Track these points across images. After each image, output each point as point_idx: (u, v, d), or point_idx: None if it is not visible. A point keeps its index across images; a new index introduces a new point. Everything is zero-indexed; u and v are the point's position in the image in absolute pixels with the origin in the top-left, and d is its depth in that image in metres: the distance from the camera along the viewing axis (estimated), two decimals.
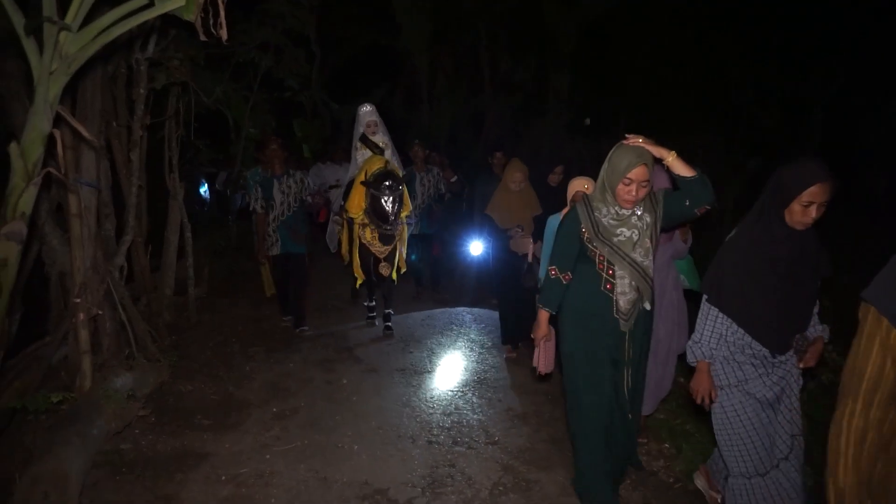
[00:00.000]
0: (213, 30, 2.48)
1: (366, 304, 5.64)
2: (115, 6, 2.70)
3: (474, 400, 4.01)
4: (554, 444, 3.42)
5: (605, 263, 2.54)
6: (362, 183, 4.82)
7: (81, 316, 3.58)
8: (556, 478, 3.05)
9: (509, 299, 4.75)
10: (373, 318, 5.58)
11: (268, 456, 3.23)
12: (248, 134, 8.09)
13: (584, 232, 2.56)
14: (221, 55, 6.10)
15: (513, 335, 4.80)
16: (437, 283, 6.84)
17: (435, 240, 6.71)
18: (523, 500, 2.87)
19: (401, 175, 4.96)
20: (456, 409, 3.87)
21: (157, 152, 5.38)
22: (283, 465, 3.14)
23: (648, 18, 12.71)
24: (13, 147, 2.59)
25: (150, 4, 2.57)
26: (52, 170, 2.72)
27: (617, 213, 2.52)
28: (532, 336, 2.82)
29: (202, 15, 2.48)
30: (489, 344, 5.10)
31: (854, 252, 6.29)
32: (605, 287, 2.55)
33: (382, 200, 4.71)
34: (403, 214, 5.08)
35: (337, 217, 5.69)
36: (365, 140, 5.40)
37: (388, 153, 5.37)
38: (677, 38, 12.75)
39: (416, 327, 5.53)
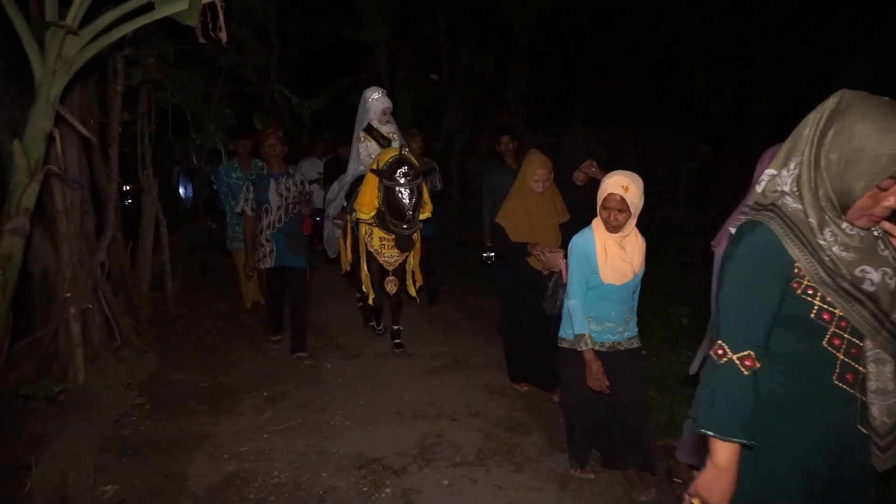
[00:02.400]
0: (211, 33, 2.64)
1: (373, 324, 5.04)
2: (105, 8, 2.84)
3: (454, 377, 4.27)
4: (530, 412, 3.71)
5: (847, 334, 1.37)
6: (373, 171, 4.16)
7: (73, 310, 3.67)
8: (535, 441, 3.34)
9: (519, 330, 3.81)
10: (400, 344, 4.76)
11: (265, 435, 3.42)
12: (211, 130, 8.09)
13: (800, 273, 1.37)
14: (189, 52, 6.13)
15: (523, 373, 3.95)
16: (435, 295, 5.90)
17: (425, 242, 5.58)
18: (506, 461, 3.15)
19: (418, 165, 4.22)
20: (438, 386, 4.12)
21: (126, 149, 5.41)
22: (282, 442, 3.34)
23: (602, 10, 13.17)
24: (16, 145, 2.72)
25: (149, 7, 2.71)
26: (52, 167, 2.84)
27: (859, 237, 1.36)
28: (699, 495, 1.43)
29: (201, 19, 2.64)
30: (466, 328, 5.36)
31: None
32: (842, 378, 1.39)
33: (398, 192, 4.01)
34: (423, 215, 4.37)
35: (338, 220, 4.92)
36: (370, 131, 4.77)
37: (395, 144, 4.74)
38: (630, 28, 13.27)
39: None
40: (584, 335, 2.67)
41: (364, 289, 4.63)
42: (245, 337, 5.12)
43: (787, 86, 12.10)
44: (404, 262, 4.56)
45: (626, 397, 2.76)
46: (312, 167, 7.89)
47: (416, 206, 4.10)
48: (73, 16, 2.63)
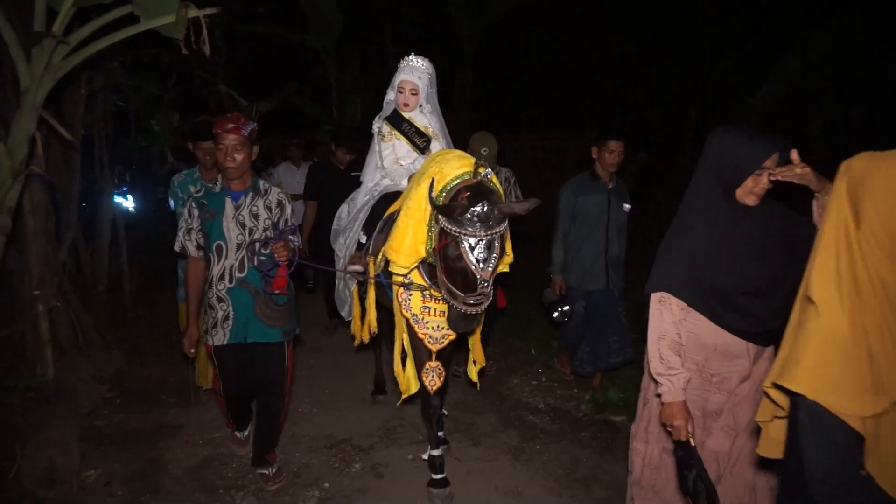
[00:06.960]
0: (193, 45, 2.85)
1: (425, 456, 2.95)
2: (89, 18, 3.01)
3: None
4: (483, 395, 4.05)
5: None
6: (434, 205, 2.34)
7: (41, 307, 3.76)
8: (489, 420, 3.70)
9: None
10: (440, 481, 2.83)
11: None
12: (156, 131, 8.05)
13: None
14: (142, 56, 6.17)
15: None
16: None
17: (500, 285, 3.79)
18: (465, 437, 3.48)
19: (501, 191, 2.50)
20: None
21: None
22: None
23: (546, 20, 13.81)
24: (0, 147, 2.84)
25: (133, 17, 2.90)
26: (35, 168, 2.98)
27: None
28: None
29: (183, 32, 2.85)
30: None
31: None
32: None
33: (465, 247, 2.27)
34: (501, 268, 2.59)
35: (355, 266, 3.11)
36: (397, 122, 3.10)
37: (434, 145, 3.09)
38: (572, 38, 13.95)
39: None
40: None
41: (402, 386, 2.87)
42: None
43: (714, 98, 13.07)
44: (456, 341, 2.85)
45: None
46: (288, 174, 6.25)
47: (495, 268, 2.36)
48: (60, 25, 2.80)
